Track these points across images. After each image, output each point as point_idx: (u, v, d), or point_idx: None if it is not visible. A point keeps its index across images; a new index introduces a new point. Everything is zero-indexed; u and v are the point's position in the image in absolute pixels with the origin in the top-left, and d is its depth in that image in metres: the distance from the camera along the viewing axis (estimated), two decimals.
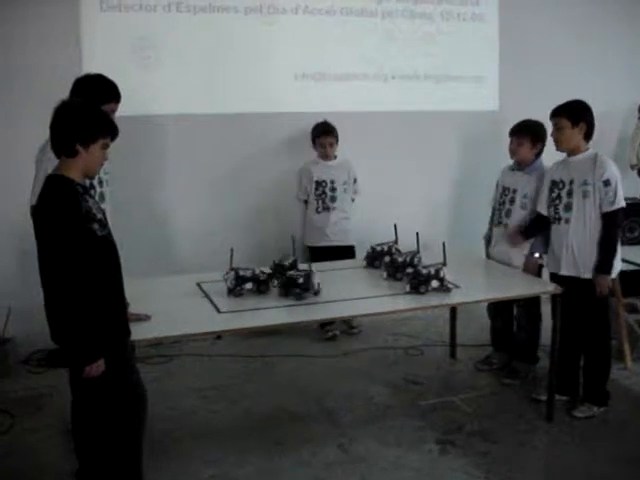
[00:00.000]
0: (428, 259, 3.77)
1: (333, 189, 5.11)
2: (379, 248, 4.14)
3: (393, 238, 4.22)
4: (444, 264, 3.62)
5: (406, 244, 4.14)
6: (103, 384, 2.54)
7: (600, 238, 3.69)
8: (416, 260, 3.83)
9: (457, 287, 3.64)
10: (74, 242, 2.41)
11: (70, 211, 2.42)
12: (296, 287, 3.46)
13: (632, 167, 6.21)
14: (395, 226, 4.20)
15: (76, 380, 2.69)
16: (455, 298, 3.61)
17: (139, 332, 2.85)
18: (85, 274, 2.44)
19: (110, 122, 2.60)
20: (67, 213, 2.41)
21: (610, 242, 3.70)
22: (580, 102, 3.77)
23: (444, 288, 3.58)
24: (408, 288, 3.58)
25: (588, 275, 3.74)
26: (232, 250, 3.56)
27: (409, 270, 3.74)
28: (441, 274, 3.58)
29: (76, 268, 2.41)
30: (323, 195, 5.11)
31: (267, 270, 3.68)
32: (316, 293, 3.49)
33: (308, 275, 3.49)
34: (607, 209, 3.66)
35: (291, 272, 3.58)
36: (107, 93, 3.36)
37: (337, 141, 5.09)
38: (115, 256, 2.60)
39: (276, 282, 3.58)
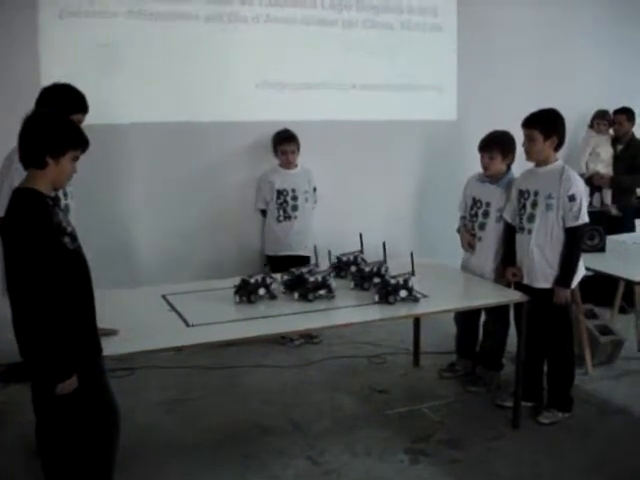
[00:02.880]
0: (392, 269, 3.78)
1: (294, 198, 5.10)
2: (345, 258, 4.12)
3: (355, 248, 4.19)
4: (412, 274, 3.64)
5: (368, 254, 4.15)
6: (75, 402, 2.47)
7: (563, 252, 3.74)
8: (383, 270, 3.84)
9: (425, 296, 3.66)
10: (45, 256, 2.35)
11: (41, 225, 2.36)
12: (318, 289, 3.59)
13: (581, 176, 6.31)
14: (361, 236, 4.20)
15: (44, 398, 2.59)
16: (424, 307, 3.63)
17: (108, 347, 2.77)
18: (57, 289, 2.38)
19: (81, 134, 2.54)
20: (38, 227, 2.35)
21: (572, 257, 3.76)
22: (554, 113, 3.77)
23: (413, 298, 3.59)
24: (377, 298, 3.58)
25: (545, 285, 3.79)
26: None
27: (376, 280, 3.75)
28: (409, 284, 3.59)
29: (48, 283, 2.34)
30: (284, 204, 5.09)
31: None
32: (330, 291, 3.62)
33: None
34: (571, 224, 3.70)
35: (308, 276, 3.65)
36: (75, 104, 3.30)
37: (298, 149, 5.08)
38: (86, 270, 2.54)
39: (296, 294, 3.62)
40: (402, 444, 3.67)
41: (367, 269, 3.86)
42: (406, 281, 3.58)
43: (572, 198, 3.68)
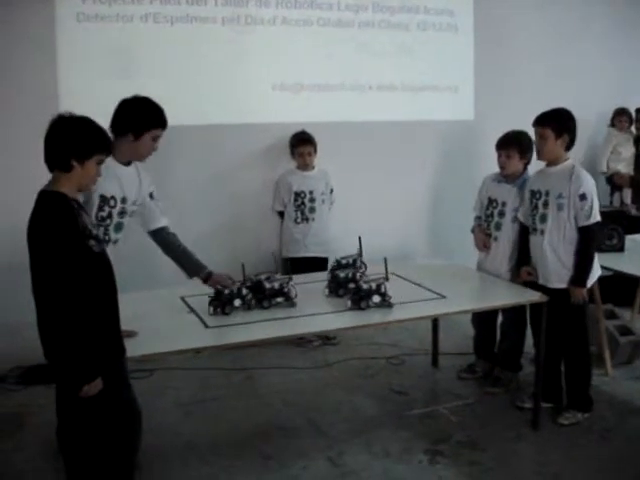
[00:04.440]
0: (408, 273, 3.73)
1: (312, 200, 5.10)
2: (344, 261, 4.00)
3: (371, 249, 4.10)
4: (386, 279, 3.57)
5: (385, 254, 4.09)
6: (99, 403, 2.49)
7: (577, 252, 3.72)
8: (358, 275, 3.74)
9: (443, 297, 3.65)
10: (71, 259, 2.36)
11: (67, 227, 2.37)
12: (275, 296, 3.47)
13: (602, 174, 6.32)
14: (360, 238, 4.06)
15: (67, 399, 2.61)
16: (440, 308, 3.62)
17: (127, 349, 2.75)
18: (82, 291, 2.39)
19: (106, 139, 2.56)
20: (64, 229, 2.36)
21: (586, 256, 3.73)
22: (565, 112, 3.77)
23: (386, 304, 3.47)
24: (349, 304, 3.48)
25: (560, 285, 3.78)
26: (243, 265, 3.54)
27: (351, 286, 3.64)
28: (382, 289, 3.48)
29: (73, 285, 2.36)
30: (302, 206, 5.10)
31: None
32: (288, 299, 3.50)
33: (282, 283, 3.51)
34: (583, 223, 3.68)
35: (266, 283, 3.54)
36: (155, 119, 3.19)
37: (315, 151, 5.08)
38: (110, 273, 2.56)
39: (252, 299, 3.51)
40: (421, 445, 3.66)
41: (342, 275, 3.73)
42: (379, 286, 3.47)
43: (583, 197, 3.65)
